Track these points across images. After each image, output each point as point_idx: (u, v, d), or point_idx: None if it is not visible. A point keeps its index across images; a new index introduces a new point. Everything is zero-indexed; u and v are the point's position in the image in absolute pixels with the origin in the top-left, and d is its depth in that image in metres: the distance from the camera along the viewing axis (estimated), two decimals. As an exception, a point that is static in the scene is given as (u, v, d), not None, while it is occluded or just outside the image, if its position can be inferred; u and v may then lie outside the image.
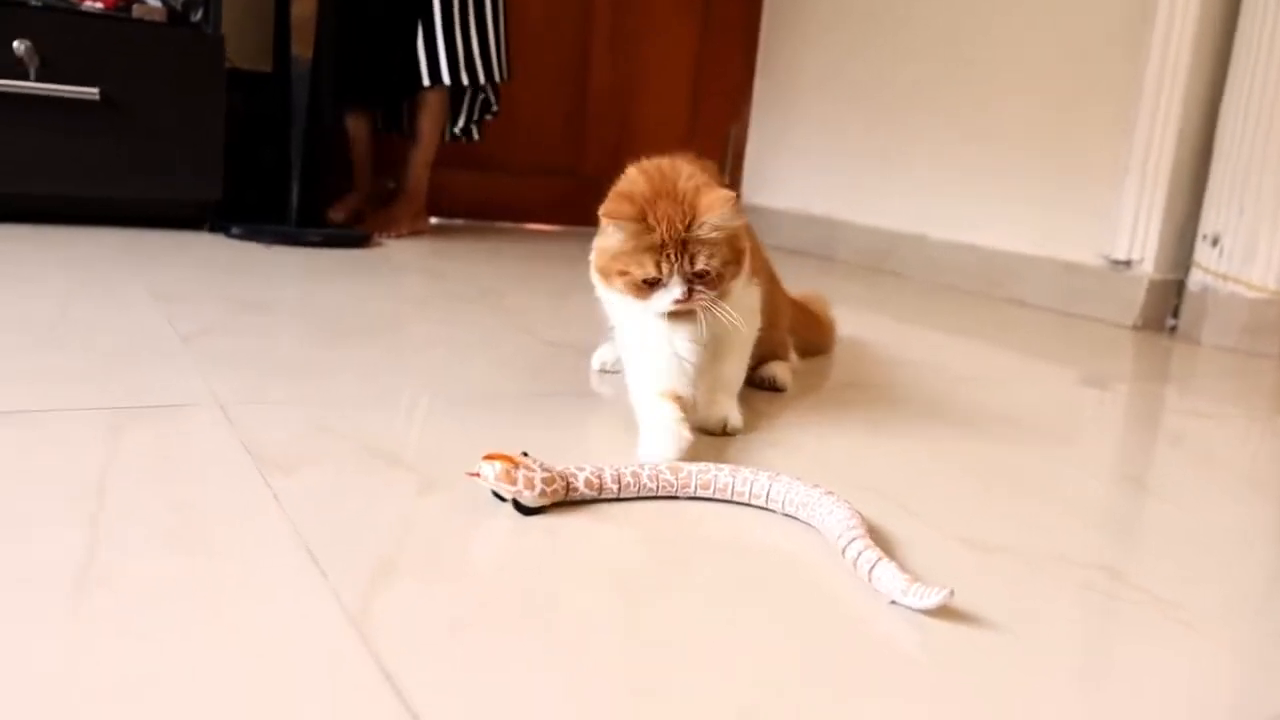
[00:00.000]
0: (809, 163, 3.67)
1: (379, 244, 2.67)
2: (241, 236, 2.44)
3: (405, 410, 1.23)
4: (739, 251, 1.18)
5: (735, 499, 1.00)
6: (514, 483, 0.90)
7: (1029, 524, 1.06)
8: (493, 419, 1.23)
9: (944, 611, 0.80)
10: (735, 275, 1.19)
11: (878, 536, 0.95)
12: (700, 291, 1.14)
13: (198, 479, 0.93)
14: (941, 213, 3.19)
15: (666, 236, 1.12)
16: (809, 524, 0.96)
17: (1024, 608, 0.85)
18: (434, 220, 3.21)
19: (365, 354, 1.48)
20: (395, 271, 2.30)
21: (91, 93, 2.29)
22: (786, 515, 0.98)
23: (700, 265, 1.13)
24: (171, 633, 0.66)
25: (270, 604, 0.71)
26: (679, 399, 1.16)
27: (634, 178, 1.19)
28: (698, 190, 1.15)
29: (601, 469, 0.97)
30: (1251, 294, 2.49)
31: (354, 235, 2.61)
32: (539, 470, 0.91)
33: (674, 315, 1.17)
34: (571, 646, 0.70)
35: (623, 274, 1.15)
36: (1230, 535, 1.11)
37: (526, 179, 3.51)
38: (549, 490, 0.91)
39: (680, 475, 0.99)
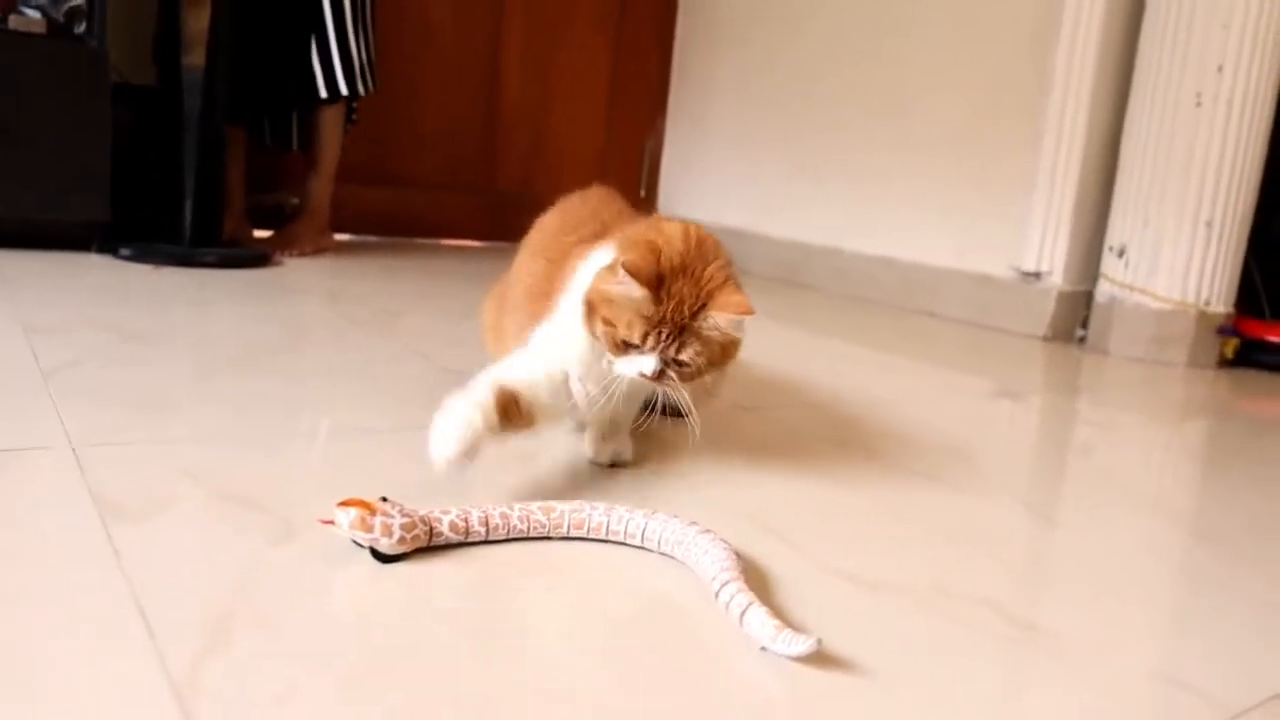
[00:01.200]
0: (723, 175, 3.66)
1: (279, 263, 2.59)
2: (131, 258, 2.34)
3: (274, 449, 1.17)
4: (728, 357, 1.12)
5: (610, 538, 0.96)
6: (370, 530, 0.85)
7: (916, 556, 1.03)
8: (367, 458, 1.17)
9: (816, 656, 0.77)
10: (712, 373, 1.12)
11: (756, 573, 0.92)
12: (670, 378, 1.08)
13: (32, 532, 0.87)
14: (855, 225, 3.19)
15: (669, 315, 1.06)
16: (684, 563, 0.92)
17: (901, 648, 0.82)
18: (343, 237, 3.14)
19: (243, 385, 1.41)
20: (291, 293, 2.23)
21: (-33, 109, 2.19)
22: (663, 554, 0.94)
23: (685, 356, 1.07)
24: (-38, 716, 0.60)
25: (86, 672, 0.65)
26: (512, 401, 1.07)
27: (673, 238, 1.10)
28: (724, 284, 1.08)
29: (469, 511, 0.92)
30: (1157, 304, 2.52)
31: (251, 255, 2.52)
32: (398, 516, 0.86)
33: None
34: (418, 709, 0.65)
35: (608, 323, 1.08)
36: (1123, 562, 1.09)
37: (438, 194, 3.45)
38: (409, 537, 0.86)
39: (553, 515, 0.95)
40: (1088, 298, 2.70)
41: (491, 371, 1.11)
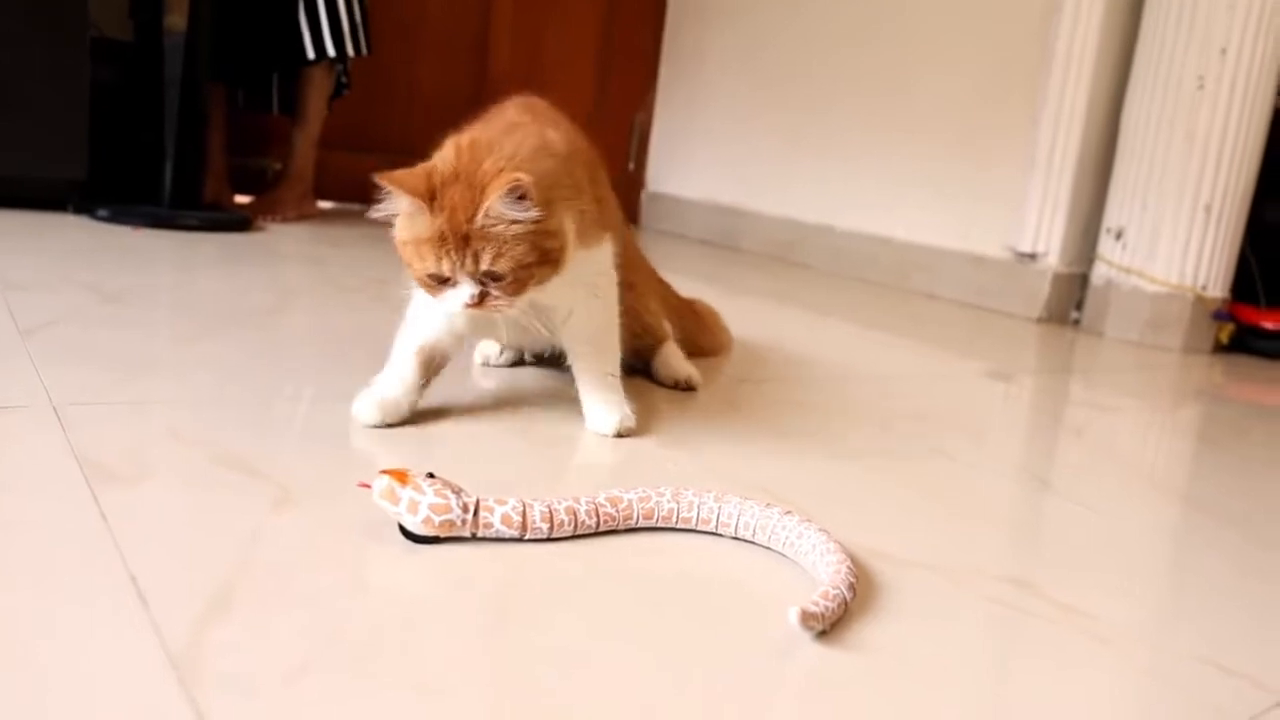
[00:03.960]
0: (715, 151, 3.61)
1: (262, 228, 2.52)
2: (109, 219, 2.27)
3: (264, 413, 1.12)
4: (548, 254, 1.02)
5: (680, 525, 0.89)
6: (396, 503, 0.79)
7: (937, 533, 0.99)
8: (361, 427, 1.12)
9: (850, 634, 0.73)
10: (544, 277, 1.03)
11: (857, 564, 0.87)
12: (496, 296, 1.01)
13: (14, 495, 0.81)
14: (849, 204, 3.15)
15: (447, 228, 0.97)
16: (766, 548, 0.87)
17: (934, 627, 0.77)
18: (326, 204, 3.07)
19: (230, 349, 1.35)
20: (275, 258, 2.17)
21: (-60, 61, 2.11)
22: (738, 539, 0.89)
23: (487, 265, 0.98)
24: (-59, 690, 0.55)
25: (77, 644, 0.60)
26: (431, 359, 1.13)
27: (446, 156, 1.03)
28: (498, 174, 0.98)
29: (528, 504, 0.83)
30: (1153, 288, 2.49)
31: (234, 219, 2.45)
32: (429, 494, 0.79)
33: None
34: (441, 687, 0.60)
35: (410, 264, 1.03)
36: (1136, 538, 1.06)
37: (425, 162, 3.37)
38: (437, 520, 0.79)
39: (621, 506, 0.87)
40: (1083, 280, 2.68)
41: (410, 338, 1.14)
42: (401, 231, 1.02)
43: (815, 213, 3.24)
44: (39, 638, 0.61)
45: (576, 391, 1.21)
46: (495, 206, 0.96)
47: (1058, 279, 2.65)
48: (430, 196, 0.98)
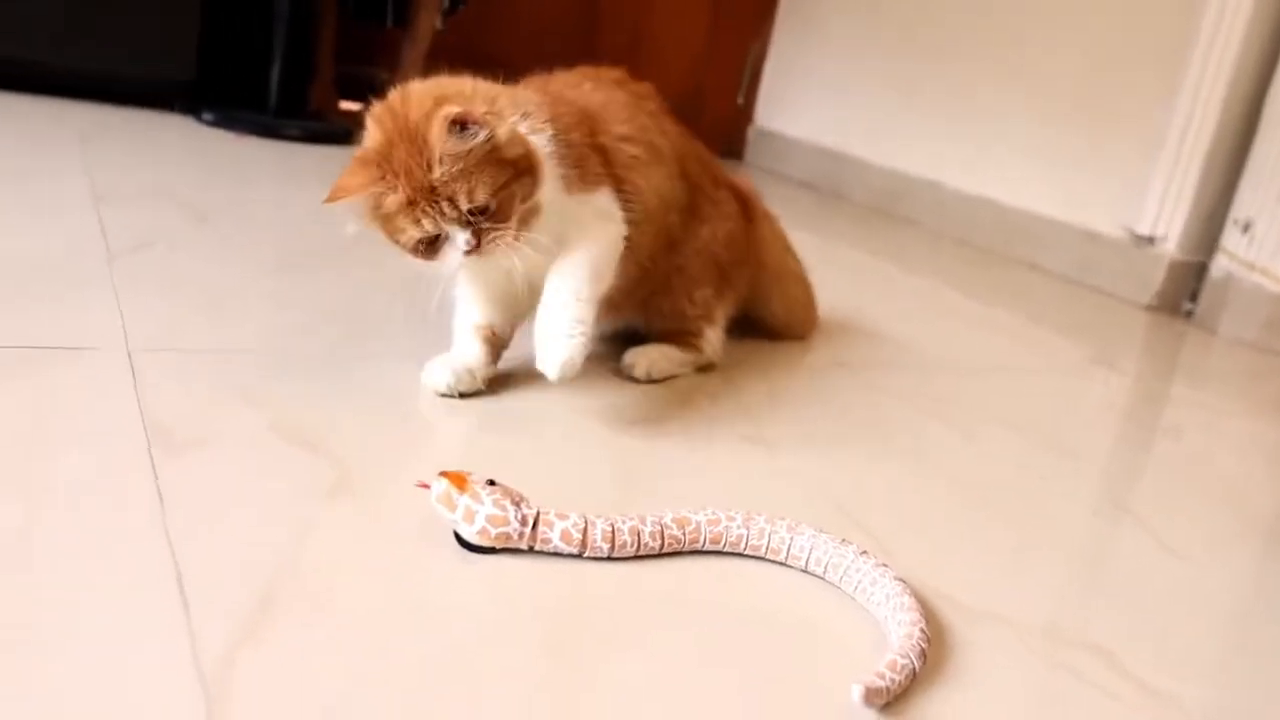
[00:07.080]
0: (826, 92, 3.48)
1: (363, 142, 2.50)
2: (213, 123, 2.27)
3: (343, 374, 1.10)
4: (516, 164, 0.98)
5: (749, 553, 0.86)
6: (453, 509, 0.77)
7: (1013, 576, 0.94)
8: (445, 401, 1.09)
9: (913, 708, 0.69)
10: (528, 191, 1.00)
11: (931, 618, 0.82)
12: (493, 229, 0.97)
13: (72, 458, 0.80)
14: (960, 161, 3.02)
15: (409, 191, 0.94)
16: (839, 588, 0.83)
17: (1001, 704, 0.73)
18: (428, 117, 3.04)
19: (315, 284, 1.34)
20: (372, 178, 2.15)
21: (56, -47, 2.11)
22: (807, 573, 0.85)
23: (464, 205, 0.95)
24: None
25: (108, 651, 0.59)
26: (492, 337, 1.12)
27: (371, 127, 1.00)
28: (429, 118, 0.94)
29: (591, 521, 0.80)
30: (1278, 287, 2.35)
31: (337, 130, 2.43)
32: (487, 504, 0.77)
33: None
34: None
35: (393, 238, 0.99)
36: (1231, 594, 0.99)
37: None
38: (494, 531, 0.77)
39: (688, 529, 0.84)
40: (1201, 270, 2.54)
41: (467, 318, 1.14)
42: (369, 217, 0.99)
43: (923, 167, 3.12)
44: (69, 641, 0.60)
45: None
46: (444, 147, 0.93)
47: (1174, 266, 2.52)
48: (380, 176, 0.95)
